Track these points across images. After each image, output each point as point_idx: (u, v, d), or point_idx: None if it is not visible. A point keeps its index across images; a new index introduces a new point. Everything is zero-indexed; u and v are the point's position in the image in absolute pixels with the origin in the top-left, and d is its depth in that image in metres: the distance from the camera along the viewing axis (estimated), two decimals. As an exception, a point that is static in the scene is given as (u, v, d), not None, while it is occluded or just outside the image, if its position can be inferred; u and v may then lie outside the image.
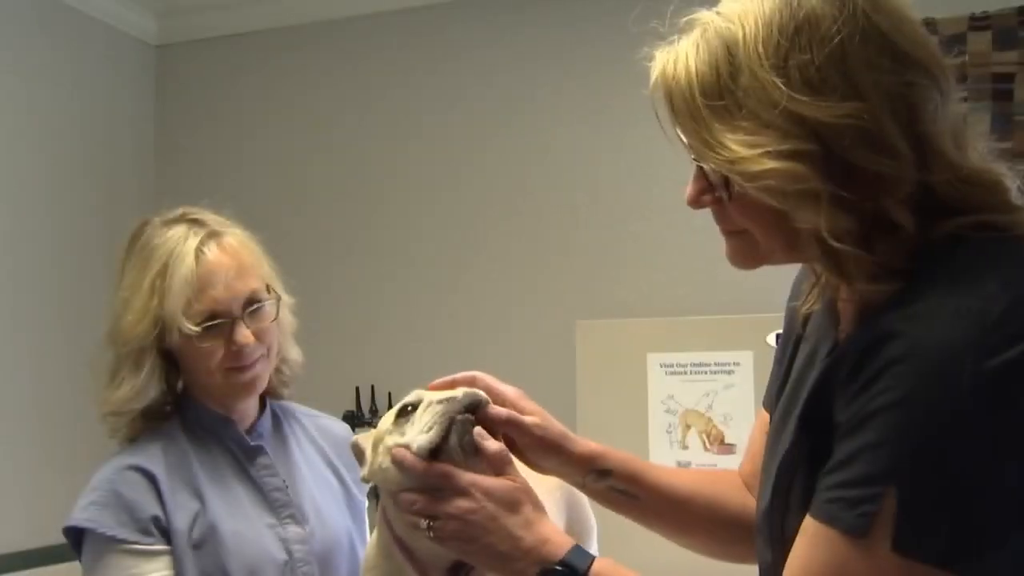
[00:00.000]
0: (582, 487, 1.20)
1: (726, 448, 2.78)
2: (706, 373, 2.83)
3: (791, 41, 0.82)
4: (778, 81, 0.81)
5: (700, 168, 0.91)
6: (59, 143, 3.23)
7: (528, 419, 1.14)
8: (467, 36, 3.32)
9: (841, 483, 0.82)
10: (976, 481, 0.76)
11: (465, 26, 3.32)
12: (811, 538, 0.84)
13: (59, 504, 2.89)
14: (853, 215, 0.81)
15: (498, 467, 1.06)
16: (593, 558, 1.01)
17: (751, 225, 0.90)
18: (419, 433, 1.07)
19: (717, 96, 0.85)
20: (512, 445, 1.15)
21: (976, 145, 0.89)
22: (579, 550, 1.01)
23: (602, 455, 1.19)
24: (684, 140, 0.89)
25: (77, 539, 1.37)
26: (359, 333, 3.30)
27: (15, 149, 3.05)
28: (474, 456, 1.06)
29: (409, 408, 1.12)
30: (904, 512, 0.78)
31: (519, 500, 1.03)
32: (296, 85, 3.50)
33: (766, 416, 1.12)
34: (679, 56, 0.88)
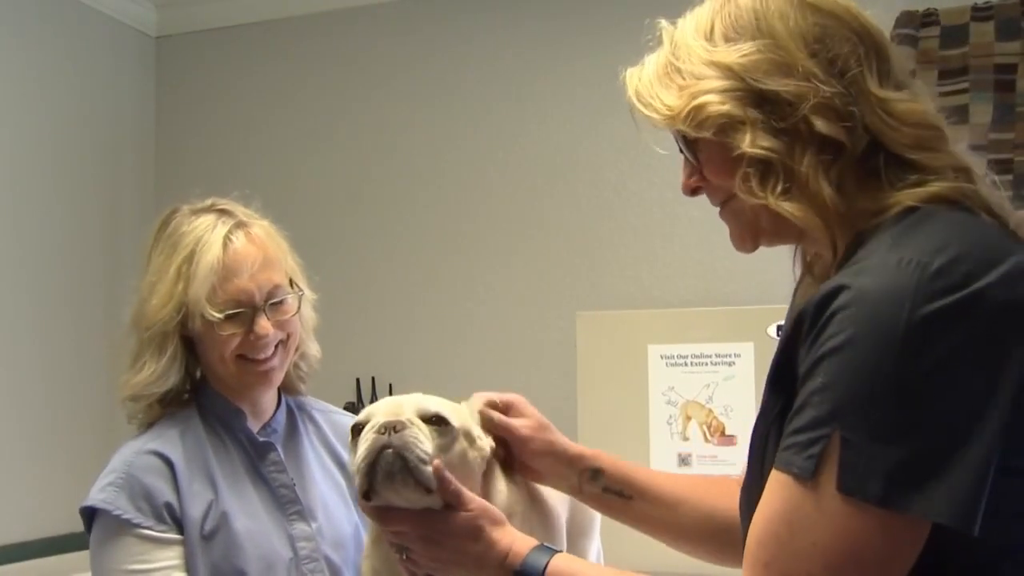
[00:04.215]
0: (578, 492, 1.23)
1: (727, 439, 2.78)
2: (707, 364, 2.83)
3: (715, 16, 0.98)
4: (703, 44, 0.97)
5: (685, 159, 1.03)
6: (58, 133, 3.22)
7: (518, 422, 1.19)
8: (470, 26, 3.31)
9: (795, 429, 0.85)
10: (909, 422, 0.79)
11: (468, 15, 3.31)
12: (770, 486, 0.87)
13: (59, 496, 2.90)
14: (780, 138, 0.92)
15: (456, 502, 1.07)
16: (551, 557, 1.03)
17: (720, 179, 0.98)
18: (356, 465, 1.07)
19: (664, 72, 0.99)
20: (508, 452, 1.20)
21: (927, 101, 0.96)
22: (536, 552, 1.03)
23: (593, 456, 1.22)
24: (648, 118, 1.01)
25: (90, 519, 1.36)
26: (360, 325, 3.30)
27: (14, 139, 3.05)
28: (405, 488, 1.05)
29: (360, 428, 1.11)
30: (846, 453, 0.81)
31: (479, 527, 1.05)
32: (296, 76, 3.50)
33: None
34: (644, 66, 1.03)
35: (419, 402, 1.12)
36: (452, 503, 1.07)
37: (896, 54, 0.97)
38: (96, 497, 1.34)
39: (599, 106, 3.11)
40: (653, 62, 1.01)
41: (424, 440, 1.06)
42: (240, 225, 1.42)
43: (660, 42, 1.02)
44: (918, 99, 0.95)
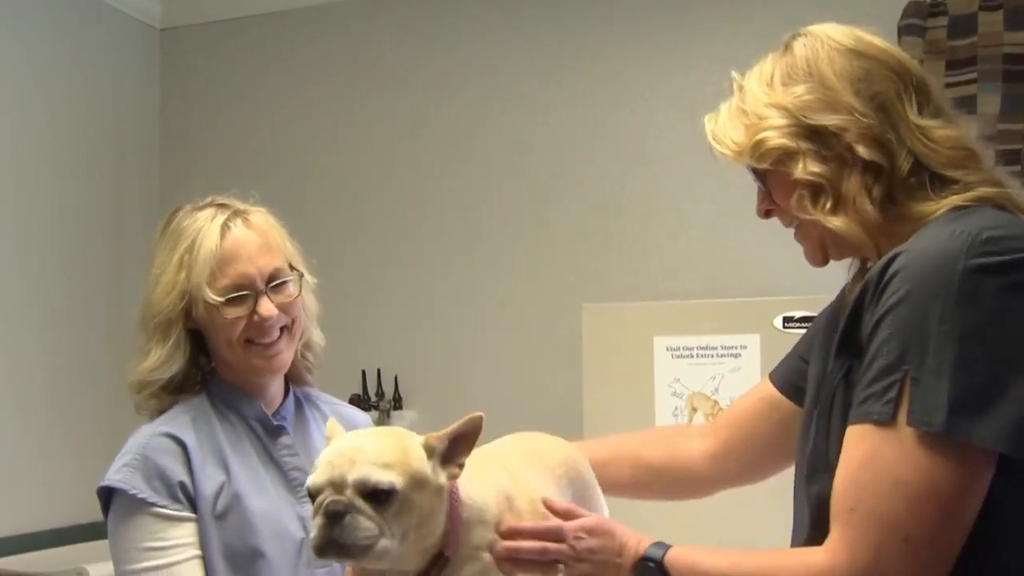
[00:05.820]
0: None
1: (733, 431, 2.77)
2: (712, 356, 2.82)
3: (775, 64, 1.17)
4: (765, 89, 1.15)
5: (758, 187, 1.19)
6: (62, 126, 3.22)
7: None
8: (479, 21, 3.30)
9: (868, 381, 0.97)
10: (966, 358, 0.92)
11: (477, 11, 3.31)
12: (849, 440, 0.99)
13: (66, 488, 2.91)
14: (829, 164, 1.09)
15: (571, 516, 1.18)
16: (667, 549, 1.13)
17: (786, 203, 1.13)
18: (310, 544, 1.08)
19: (734, 114, 1.18)
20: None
21: (968, 125, 1.14)
22: (655, 546, 1.13)
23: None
24: (722, 154, 1.19)
25: (107, 500, 1.41)
26: (366, 318, 3.30)
27: (19, 131, 3.05)
28: (365, 566, 1.08)
29: (313, 495, 1.10)
30: (915, 390, 0.93)
31: (608, 526, 1.17)
32: (302, 69, 3.50)
33: (769, 388, 1.36)
34: (719, 111, 1.21)
35: (361, 473, 1.07)
36: (566, 518, 1.18)
37: (935, 85, 1.13)
38: (113, 478, 1.39)
39: (605, 100, 3.11)
40: (727, 107, 1.19)
41: (364, 526, 1.06)
42: (238, 213, 1.48)
43: (733, 91, 1.21)
44: (954, 124, 1.10)
